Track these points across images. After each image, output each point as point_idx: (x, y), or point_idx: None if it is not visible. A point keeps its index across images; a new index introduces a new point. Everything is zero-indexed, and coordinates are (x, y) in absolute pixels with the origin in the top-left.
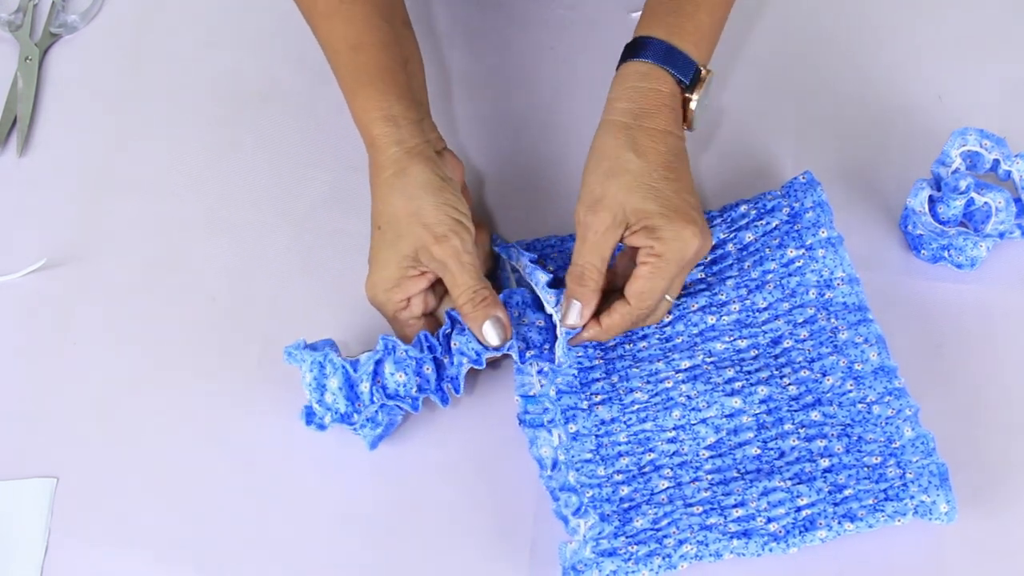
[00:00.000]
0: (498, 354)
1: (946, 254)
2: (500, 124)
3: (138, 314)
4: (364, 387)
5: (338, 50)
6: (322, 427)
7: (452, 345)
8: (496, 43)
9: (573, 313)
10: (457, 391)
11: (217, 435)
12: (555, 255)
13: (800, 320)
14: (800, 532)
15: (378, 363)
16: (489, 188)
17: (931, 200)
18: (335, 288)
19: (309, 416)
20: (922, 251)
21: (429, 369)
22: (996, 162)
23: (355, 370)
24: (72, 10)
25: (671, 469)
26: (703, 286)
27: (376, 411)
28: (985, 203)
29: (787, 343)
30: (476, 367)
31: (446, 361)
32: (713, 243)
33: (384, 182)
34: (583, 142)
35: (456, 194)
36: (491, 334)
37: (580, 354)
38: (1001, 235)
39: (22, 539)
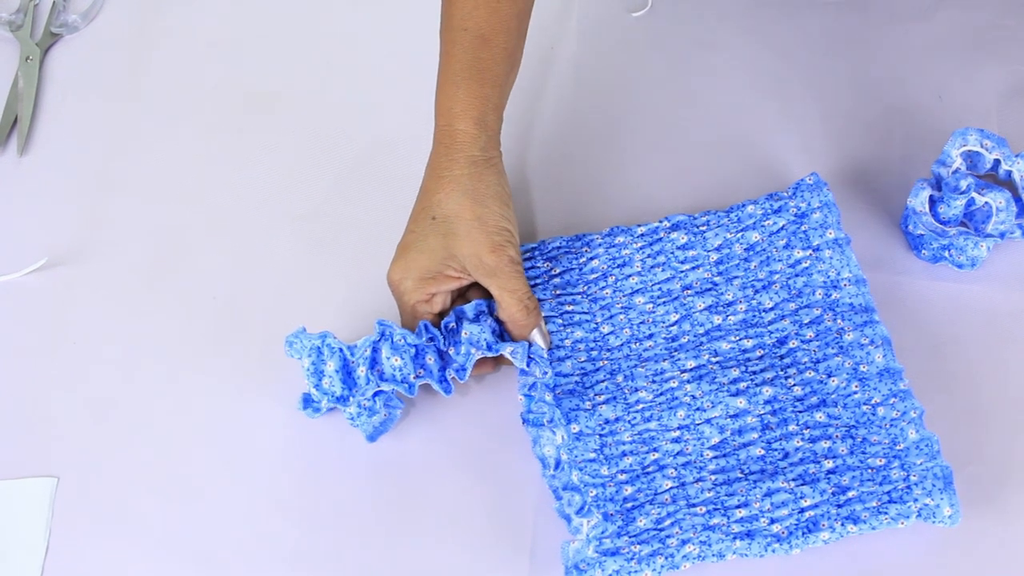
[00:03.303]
0: (508, 347)
1: (947, 254)
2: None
3: (138, 314)
4: (361, 371)
5: (467, 28)
6: (317, 410)
7: (463, 334)
8: None
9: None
10: (462, 379)
11: (217, 434)
12: (561, 256)
13: (806, 321)
14: (803, 533)
15: (375, 348)
16: None
17: (932, 200)
18: (336, 288)
19: (306, 402)
20: (923, 251)
21: (432, 359)
22: (997, 162)
23: (352, 354)
24: (73, 10)
25: (675, 469)
26: (709, 286)
27: (372, 398)
28: (986, 203)
29: (793, 343)
30: (489, 354)
31: (451, 352)
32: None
33: (455, 178)
34: (583, 142)
35: (512, 210)
36: (540, 339)
37: (583, 359)
38: (1002, 235)
39: (22, 539)
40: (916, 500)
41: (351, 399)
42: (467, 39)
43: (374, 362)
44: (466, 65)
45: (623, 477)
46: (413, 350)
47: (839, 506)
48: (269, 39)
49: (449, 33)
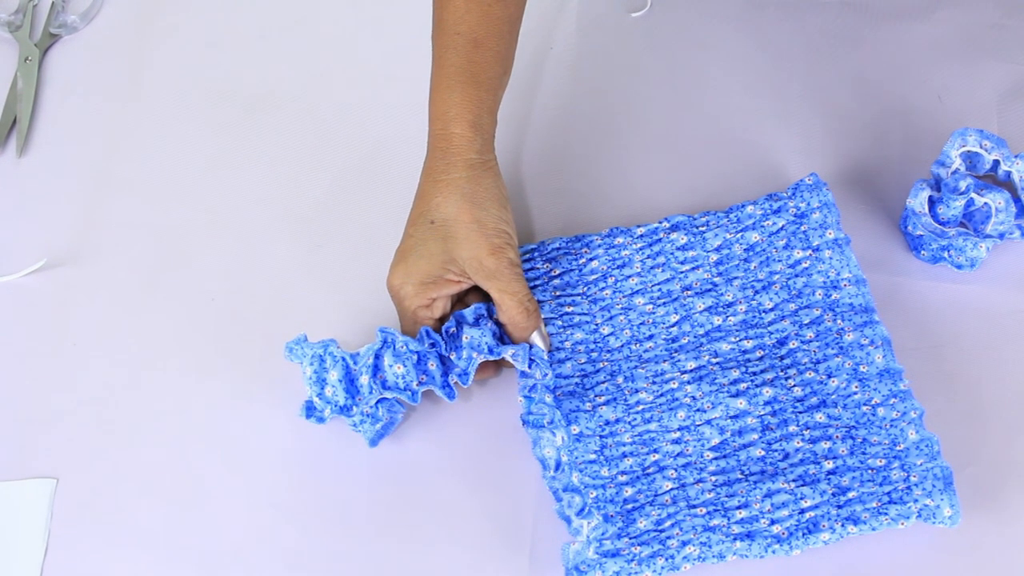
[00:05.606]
0: (509, 350)
1: (946, 255)
2: (500, 125)
3: (138, 314)
4: (364, 380)
5: (460, 33)
6: (321, 420)
7: (464, 339)
8: None
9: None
10: (465, 384)
11: (217, 435)
12: (560, 257)
13: (806, 321)
14: (803, 534)
15: (377, 355)
16: None
17: (931, 201)
18: (336, 289)
19: (309, 410)
20: (922, 252)
21: (434, 365)
22: (996, 163)
23: (355, 363)
24: (72, 10)
25: (675, 470)
26: (709, 286)
27: (375, 405)
28: (985, 204)
29: (793, 344)
30: (491, 357)
31: (452, 357)
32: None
33: (452, 181)
34: (582, 142)
35: (510, 212)
36: (540, 341)
37: (583, 360)
38: (1001, 236)
39: (22, 539)
40: (916, 501)
41: (354, 408)
42: (460, 43)
43: (376, 369)
44: (460, 69)
45: (623, 478)
46: (415, 357)
47: (839, 507)
48: (269, 39)
49: (441, 38)
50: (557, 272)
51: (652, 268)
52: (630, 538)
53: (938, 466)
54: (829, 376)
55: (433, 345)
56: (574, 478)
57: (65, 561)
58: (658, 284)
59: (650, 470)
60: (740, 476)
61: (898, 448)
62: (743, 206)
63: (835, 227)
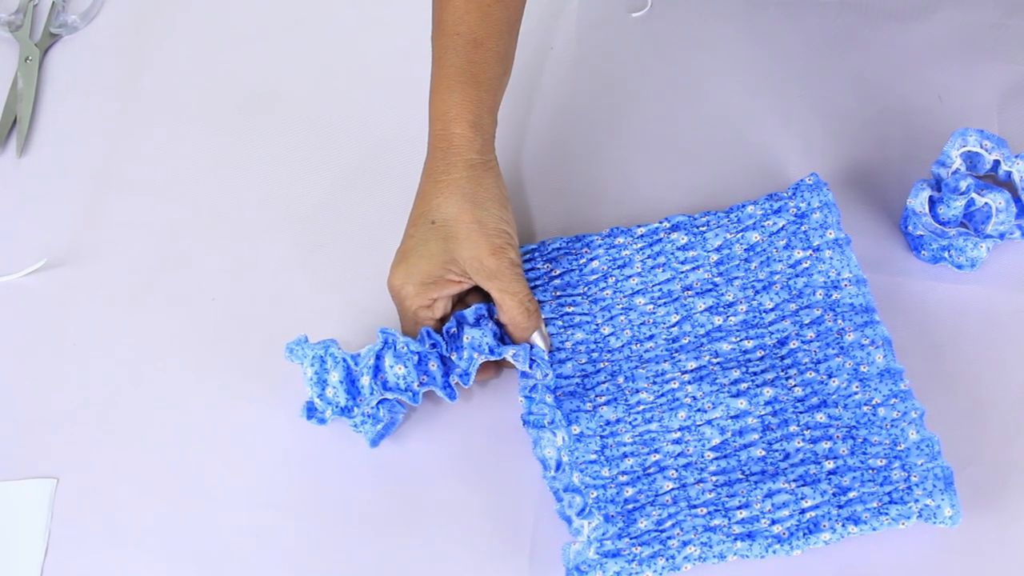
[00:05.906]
0: (510, 351)
1: (946, 255)
2: (500, 125)
3: (138, 314)
4: (365, 381)
5: (459, 33)
6: (323, 421)
7: (464, 339)
8: None
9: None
10: (466, 384)
11: (217, 435)
12: (561, 257)
13: (807, 321)
14: (804, 534)
15: (378, 356)
16: None
17: (931, 201)
18: (337, 289)
19: (310, 411)
20: (922, 252)
21: (435, 366)
22: (996, 163)
23: (356, 364)
24: (72, 10)
25: (676, 470)
26: (710, 286)
27: (376, 406)
28: (985, 204)
29: (793, 344)
30: (492, 357)
31: (453, 358)
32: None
33: (453, 181)
34: (582, 142)
35: (511, 212)
36: (540, 342)
37: (584, 360)
38: (1001, 236)
39: (22, 539)
40: (917, 501)
41: (355, 409)
42: (460, 43)
43: (377, 370)
44: (459, 69)
45: (624, 478)
46: (416, 357)
47: (840, 507)
48: (269, 39)
49: (441, 38)
50: (558, 272)
51: (653, 268)
52: (631, 538)
53: (939, 466)
54: (830, 376)
55: (434, 346)
56: (575, 478)
57: (65, 561)
58: (659, 284)
59: (651, 470)
60: (741, 476)
61: (899, 448)
62: (743, 206)
63: (835, 227)
